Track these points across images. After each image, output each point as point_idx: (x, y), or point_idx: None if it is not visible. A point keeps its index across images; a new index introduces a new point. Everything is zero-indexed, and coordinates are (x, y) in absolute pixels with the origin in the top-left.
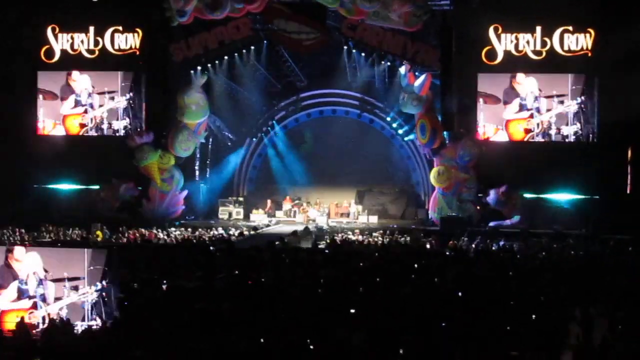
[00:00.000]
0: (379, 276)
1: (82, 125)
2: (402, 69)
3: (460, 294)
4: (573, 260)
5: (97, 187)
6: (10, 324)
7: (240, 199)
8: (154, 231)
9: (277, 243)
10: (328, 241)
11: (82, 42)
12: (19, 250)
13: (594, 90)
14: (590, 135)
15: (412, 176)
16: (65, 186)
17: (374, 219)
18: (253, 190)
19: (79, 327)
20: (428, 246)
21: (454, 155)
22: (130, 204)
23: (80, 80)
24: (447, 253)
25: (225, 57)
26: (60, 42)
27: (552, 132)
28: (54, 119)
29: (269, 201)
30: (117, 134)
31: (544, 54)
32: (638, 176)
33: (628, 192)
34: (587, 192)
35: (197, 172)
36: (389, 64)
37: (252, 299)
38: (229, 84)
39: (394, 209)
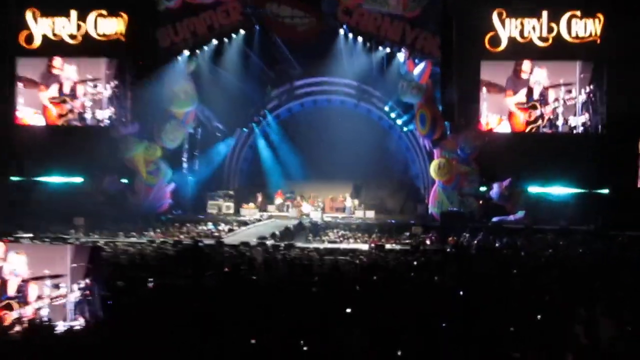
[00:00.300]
0: (376, 274)
1: (62, 115)
2: (401, 56)
3: (461, 292)
4: (579, 258)
5: (79, 180)
6: None
7: (230, 192)
8: None
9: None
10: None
11: (64, 26)
12: None
13: (603, 78)
14: (599, 126)
15: (411, 169)
16: (46, 179)
17: (371, 214)
18: (244, 184)
19: (61, 327)
20: (428, 242)
21: (455, 147)
22: (115, 198)
23: (65, 68)
24: (448, 250)
25: (215, 43)
26: (40, 27)
27: (559, 122)
28: (34, 108)
29: (259, 195)
30: (101, 124)
31: (550, 40)
32: None
33: (638, 186)
34: (595, 187)
35: (184, 164)
36: (387, 51)
37: (244, 298)
38: (218, 72)
39: (392, 203)
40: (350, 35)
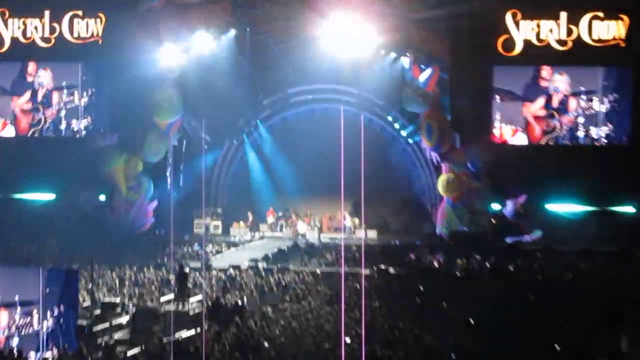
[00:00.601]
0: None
1: (34, 125)
2: (405, 61)
3: (472, 321)
4: (602, 283)
5: (52, 196)
6: None
7: (219, 210)
8: None
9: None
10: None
11: (36, 28)
12: None
13: (628, 85)
14: (623, 138)
15: (416, 184)
16: (16, 195)
17: (372, 234)
18: (233, 201)
19: (32, 359)
20: (435, 265)
21: (464, 160)
22: (92, 216)
23: (41, 75)
24: (457, 274)
25: (202, 47)
26: (10, 29)
27: (580, 133)
28: (4, 118)
29: (250, 213)
30: (77, 135)
31: (569, 43)
32: None
33: None
34: (619, 203)
35: (168, 179)
36: (390, 55)
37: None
38: (205, 78)
39: (396, 222)
40: (350, 38)
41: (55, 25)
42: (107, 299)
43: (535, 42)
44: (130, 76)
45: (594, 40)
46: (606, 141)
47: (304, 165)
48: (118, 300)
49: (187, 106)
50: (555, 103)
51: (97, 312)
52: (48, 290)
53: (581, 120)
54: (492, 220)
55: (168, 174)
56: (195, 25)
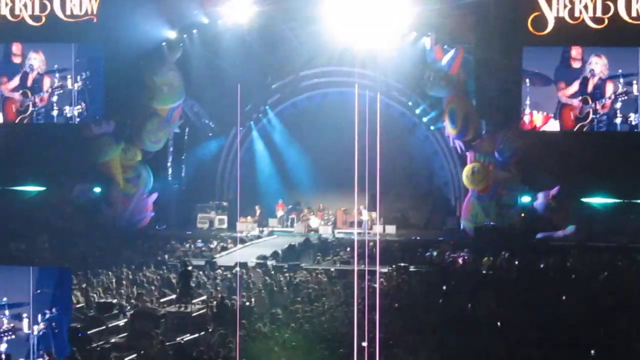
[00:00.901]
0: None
1: (23, 111)
2: (427, 42)
3: (499, 323)
4: None
5: (43, 188)
6: None
7: (224, 203)
8: None
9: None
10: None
11: (25, 6)
12: None
13: None
14: None
15: (439, 175)
16: (3, 187)
17: (391, 230)
18: (239, 193)
19: None
20: (460, 263)
21: (492, 149)
22: (86, 210)
23: (31, 57)
24: (483, 272)
25: (205, 26)
26: None
27: (618, 120)
28: None
29: (258, 207)
30: (70, 122)
31: (606, 21)
32: None
33: None
34: None
35: (169, 170)
36: (410, 35)
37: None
38: (209, 60)
39: (416, 216)
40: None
41: (46, 2)
42: (102, 300)
43: (568, 19)
44: (127, 58)
45: (632, 18)
46: None
47: (317, 155)
48: (115, 301)
49: (190, 90)
50: (590, 87)
51: (92, 314)
52: (39, 291)
53: (618, 105)
54: (522, 214)
55: (169, 164)
56: (199, 2)
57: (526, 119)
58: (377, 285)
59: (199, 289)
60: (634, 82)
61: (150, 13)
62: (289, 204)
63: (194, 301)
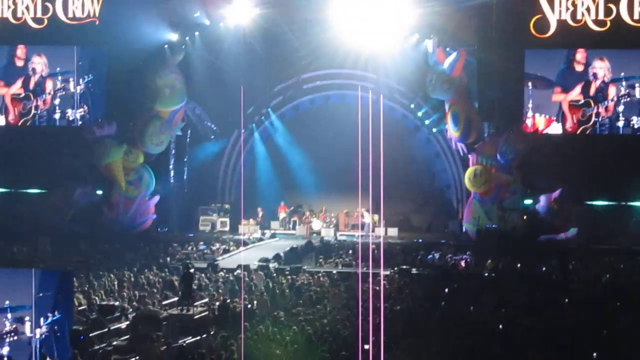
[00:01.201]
0: (399, 304)
1: (25, 114)
2: (429, 44)
3: (501, 326)
4: None
5: (44, 191)
6: None
7: (226, 206)
8: None
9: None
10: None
11: (27, 8)
12: None
13: None
14: None
15: (441, 178)
16: (6, 190)
17: (393, 232)
18: (241, 196)
19: None
20: (462, 265)
21: (494, 151)
22: (88, 213)
23: (34, 61)
24: (485, 275)
25: (207, 28)
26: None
27: (620, 123)
28: None
29: (260, 210)
30: (72, 125)
31: (608, 24)
32: None
33: None
34: None
35: (171, 173)
36: (412, 37)
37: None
38: (212, 62)
39: (418, 219)
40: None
41: (48, 4)
42: (104, 303)
43: (570, 22)
44: (129, 61)
45: (635, 21)
46: None
47: (319, 157)
48: (117, 303)
49: (192, 93)
50: (592, 90)
51: (94, 316)
52: (41, 294)
53: (621, 108)
54: (524, 217)
55: (171, 166)
56: (201, 5)
57: (528, 122)
58: (379, 288)
59: (201, 291)
60: (637, 85)
61: (152, 15)
62: (291, 207)
63: (196, 304)
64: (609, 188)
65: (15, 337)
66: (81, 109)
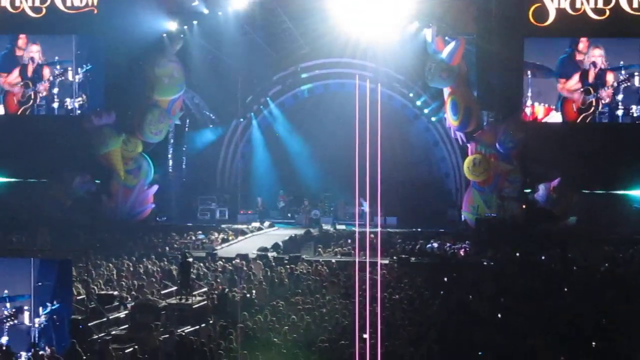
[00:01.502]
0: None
1: (24, 102)
2: (428, 33)
3: (500, 315)
4: None
5: (43, 180)
6: None
7: (225, 195)
8: None
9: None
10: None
11: None
12: None
13: None
14: None
15: (440, 167)
16: (3, 179)
17: (392, 221)
18: (241, 185)
19: (24, 358)
20: (461, 254)
21: (493, 140)
22: (86, 202)
23: (32, 50)
24: (485, 264)
25: (206, 17)
26: None
27: (619, 112)
28: None
29: (260, 199)
30: (71, 114)
31: (607, 12)
32: None
33: None
34: None
35: (170, 162)
36: (412, 26)
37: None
38: (210, 51)
39: (417, 208)
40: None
41: None
42: (103, 292)
43: (569, 11)
44: (128, 50)
45: (633, 10)
46: None
47: (318, 146)
48: (115, 293)
49: (190, 82)
50: (591, 79)
51: (93, 306)
52: (40, 284)
53: (620, 97)
54: (523, 206)
55: (169, 156)
56: None
57: (528, 110)
58: (378, 277)
59: (200, 280)
60: (636, 73)
61: (150, 4)
62: (290, 196)
63: (194, 293)
64: (608, 177)
65: (15, 322)
66: (80, 98)
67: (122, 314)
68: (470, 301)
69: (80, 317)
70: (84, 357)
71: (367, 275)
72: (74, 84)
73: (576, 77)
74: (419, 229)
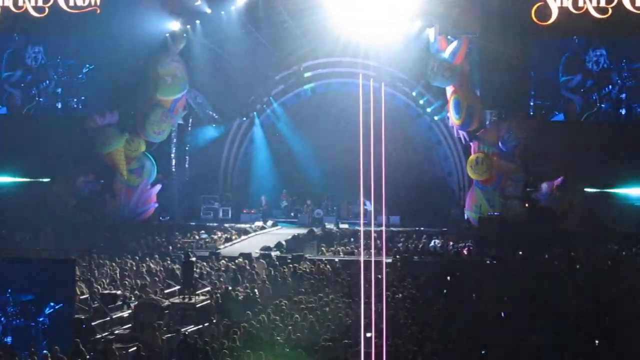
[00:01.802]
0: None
1: (26, 102)
2: (431, 32)
3: (503, 314)
4: None
5: (47, 180)
6: None
7: (228, 194)
8: None
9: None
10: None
11: None
12: None
13: None
14: None
15: (443, 166)
16: (7, 179)
17: (395, 220)
18: (244, 184)
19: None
20: (465, 253)
21: (496, 139)
22: (90, 202)
23: (35, 49)
24: (487, 262)
25: (208, 16)
26: None
27: (623, 110)
28: None
29: (263, 198)
30: (74, 114)
31: (610, 11)
32: None
33: None
34: None
35: (173, 162)
36: (415, 25)
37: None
38: (213, 51)
39: (420, 207)
40: (370, 6)
41: None
42: (106, 292)
43: (572, 9)
44: (131, 49)
45: (636, 8)
46: None
47: (321, 145)
48: (119, 292)
49: (194, 81)
50: (594, 77)
51: (96, 305)
52: (43, 283)
53: (623, 95)
54: (526, 204)
55: (172, 155)
56: None
57: (530, 109)
58: (381, 276)
59: (203, 280)
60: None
61: (153, 4)
62: (294, 196)
63: (198, 292)
64: (612, 175)
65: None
66: (83, 98)
67: (125, 314)
68: (473, 300)
69: (83, 317)
70: (88, 357)
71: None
72: (77, 84)
73: (579, 76)
74: (422, 228)
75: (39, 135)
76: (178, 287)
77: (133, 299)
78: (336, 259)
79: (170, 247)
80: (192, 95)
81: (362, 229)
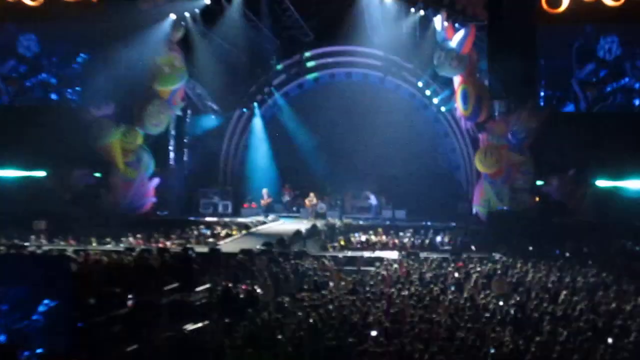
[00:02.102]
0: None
1: (19, 93)
2: (438, 20)
3: (512, 312)
4: None
5: (42, 173)
6: None
7: (228, 188)
8: None
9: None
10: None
11: None
12: None
13: None
14: None
15: (450, 158)
16: (1, 171)
17: (401, 214)
18: (244, 177)
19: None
20: (473, 249)
21: (505, 131)
22: (85, 196)
23: (29, 39)
24: (496, 259)
25: (208, 3)
26: None
27: (636, 101)
28: None
29: (264, 191)
30: (69, 105)
31: None
32: None
33: None
34: None
35: (171, 154)
36: (420, 13)
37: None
38: (212, 39)
39: (427, 201)
40: None
41: None
42: (104, 289)
43: None
44: (128, 39)
45: None
46: None
47: (324, 137)
48: (117, 289)
49: (192, 72)
50: (607, 67)
51: (93, 302)
52: (38, 279)
53: (637, 85)
54: (536, 198)
55: (171, 147)
56: None
57: (540, 99)
58: (386, 272)
59: (203, 277)
60: None
61: None
62: (296, 188)
63: (197, 290)
64: (625, 168)
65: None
66: (78, 88)
67: (122, 311)
68: (481, 296)
69: (79, 314)
70: (84, 355)
71: (377, 270)
72: (72, 74)
73: (591, 65)
74: (429, 223)
75: (32, 128)
76: (177, 284)
77: (131, 296)
78: (340, 255)
79: (169, 243)
80: (191, 86)
81: (365, 223)
